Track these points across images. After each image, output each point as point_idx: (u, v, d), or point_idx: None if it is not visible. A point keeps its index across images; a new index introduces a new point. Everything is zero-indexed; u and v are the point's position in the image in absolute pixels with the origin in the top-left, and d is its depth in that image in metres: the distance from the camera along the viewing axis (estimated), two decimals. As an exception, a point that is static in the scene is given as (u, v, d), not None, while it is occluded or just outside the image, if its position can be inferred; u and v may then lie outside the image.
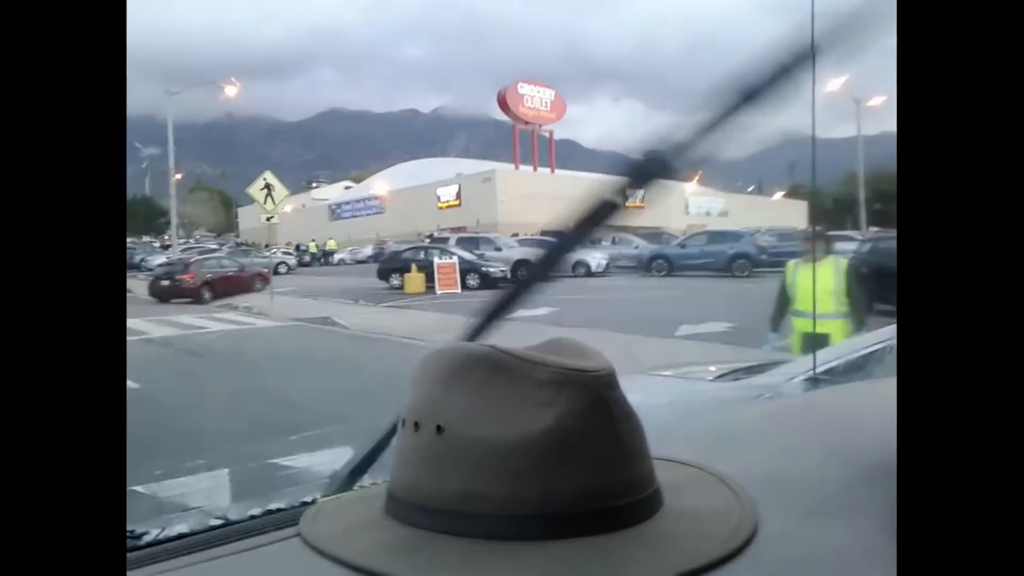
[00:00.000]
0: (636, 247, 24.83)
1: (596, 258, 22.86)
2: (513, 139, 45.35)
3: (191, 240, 55.26)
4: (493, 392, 0.57)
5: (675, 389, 3.13)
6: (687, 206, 53.30)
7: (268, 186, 17.75)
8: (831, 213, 43.48)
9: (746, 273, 19.91)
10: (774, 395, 1.98)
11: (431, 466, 0.57)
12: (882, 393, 1.08)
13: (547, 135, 46.47)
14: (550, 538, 0.54)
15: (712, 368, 3.58)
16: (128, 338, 10.68)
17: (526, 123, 44.62)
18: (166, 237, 60.26)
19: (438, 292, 18.06)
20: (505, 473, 0.55)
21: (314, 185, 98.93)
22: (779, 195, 66.53)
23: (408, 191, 50.17)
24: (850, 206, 39.94)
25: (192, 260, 21.71)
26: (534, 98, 45.13)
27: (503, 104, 43.89)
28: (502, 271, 19.69)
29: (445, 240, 23.60)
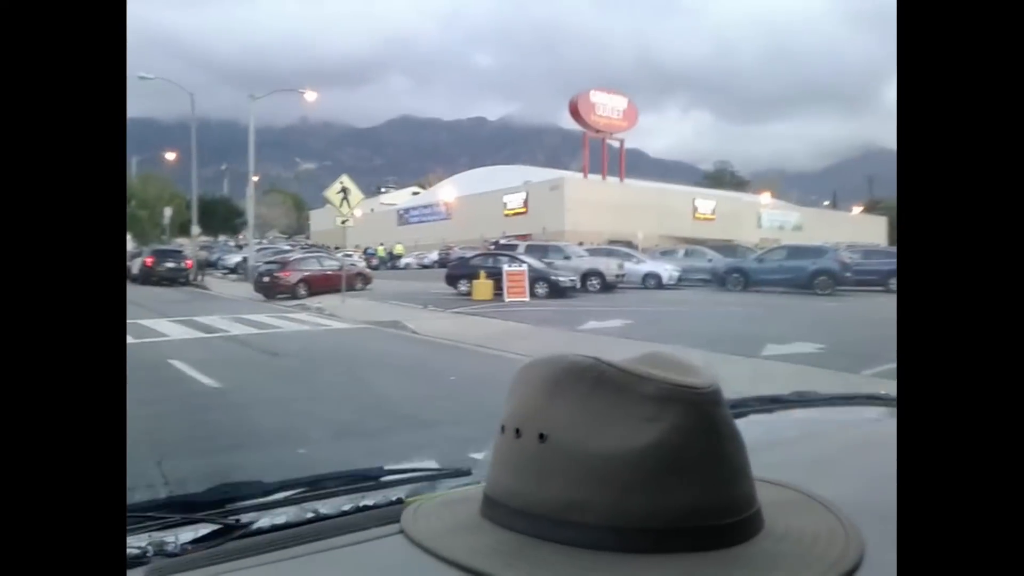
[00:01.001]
0: (709, 260, 24.11)
1: (667, 270, 22.31)
2: (583, 147, 45.02)
3: (263, 241, 56.96)
4: (597, 404, 0.57)
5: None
6: (760, 219, 51.91)
7: (344, 190, 18.01)
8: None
9: (828, 291, 19.03)
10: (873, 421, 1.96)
11: (533, 473, 0.58)
12: None
13: (617, 144, 45.93)
14: (654, 552, 0.54)
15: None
16: (209, 335, 11.01)
17: (597, 131, 44.23)
18: (240, 237, 62.50)
19: (506, 299, 17.89)
20: (609, 484, 0.55)
21: (382, 190, 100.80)
22: (857, 210, 63.84)
23: (475, 198, 50.47)
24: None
25: (291, 259, 22.98)
26: (606, 106, 44.68)
27: (575, 112, 43.60)
28: (571, 280, 19.40)
29: (514, 247, 23.45)
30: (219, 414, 5.96)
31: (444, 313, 15.20)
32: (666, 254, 25.52)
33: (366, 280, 23.20)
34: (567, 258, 21.41)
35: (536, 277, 18.78)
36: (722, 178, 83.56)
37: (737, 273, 20.89)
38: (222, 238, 60.99)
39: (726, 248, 27.12)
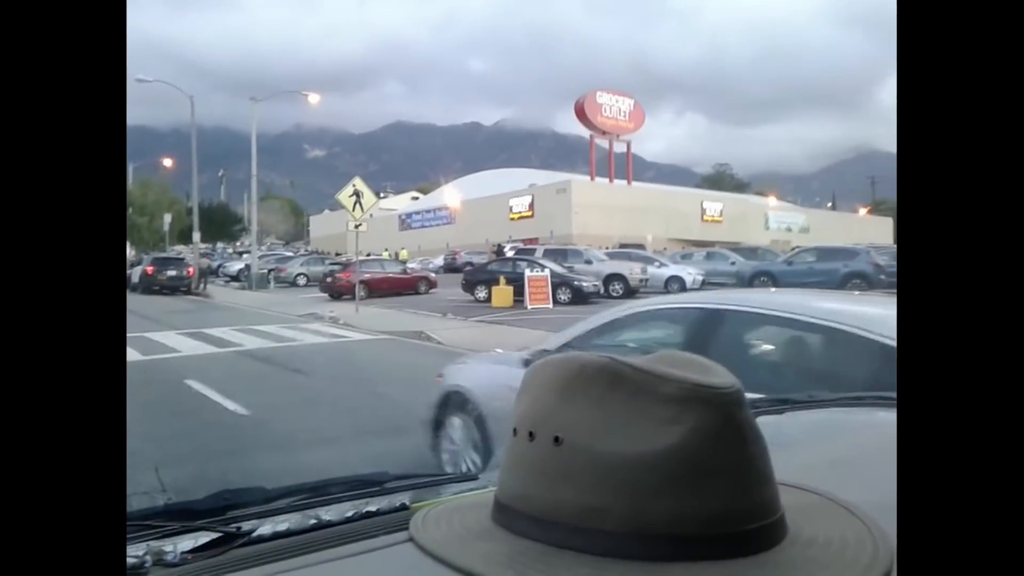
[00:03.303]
0: (732, 263, 23.27)
1: (690, 274, 21.46)
2: (590, 149, 44.22)
3: (262, 248, 56.04)
4: (615, 405, 0.55)
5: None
6: (767, 220, 51.22)
7: (357, 193, 17.10)
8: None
9: (862, 294, 18.20)
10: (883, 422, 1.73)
11: (548, 477, 0.55)
12: None
13: (624, 145, 45.16)
14: (679, 560, 0.52)
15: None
16: (222, 350, 10.10)
17: (604, 133, 43.45)
18: (238, 244, 61.48)
19: (529, 307, 17.03)
20: (628, 489, 0.53)
21: (382, 195, 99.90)
22: (863, 211, 63.27)
23: (479, 201, 49.59)
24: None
25: (352, 262, 24.61)
26: (612, 107, 43.95)
27: (580, 113, 42.82)
28: (595, 285, 18.54)
29: (531, 251, 22.58)
30: (253, 449, 5.08)
31: (467, 322, 14.34)
32: (685, 257, 24.67)
33: (431, 284, 23.17)
34: (588, 262, 20.56)
35: (558, 282, 17.93)
36: (722, 181, 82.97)
37: (765, 276, 20.02)
38: (220, 245, 59.99)
39: (746, 251, 26.27)
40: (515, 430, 0.59)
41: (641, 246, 31.53)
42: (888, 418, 1.20)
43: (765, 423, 1.12)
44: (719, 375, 0.57)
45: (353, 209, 17.13)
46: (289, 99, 31.33)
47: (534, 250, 22.81)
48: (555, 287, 17.73)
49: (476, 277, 20.03)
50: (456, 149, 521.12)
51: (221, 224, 60.84)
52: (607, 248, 27.33)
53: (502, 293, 17.82)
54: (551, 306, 17.41)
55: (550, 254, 20.99)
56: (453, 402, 3.71)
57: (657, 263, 21.96)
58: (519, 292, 17.41)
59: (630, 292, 19.61)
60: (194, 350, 10.34)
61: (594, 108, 42.99)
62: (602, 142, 44.16)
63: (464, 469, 3.41)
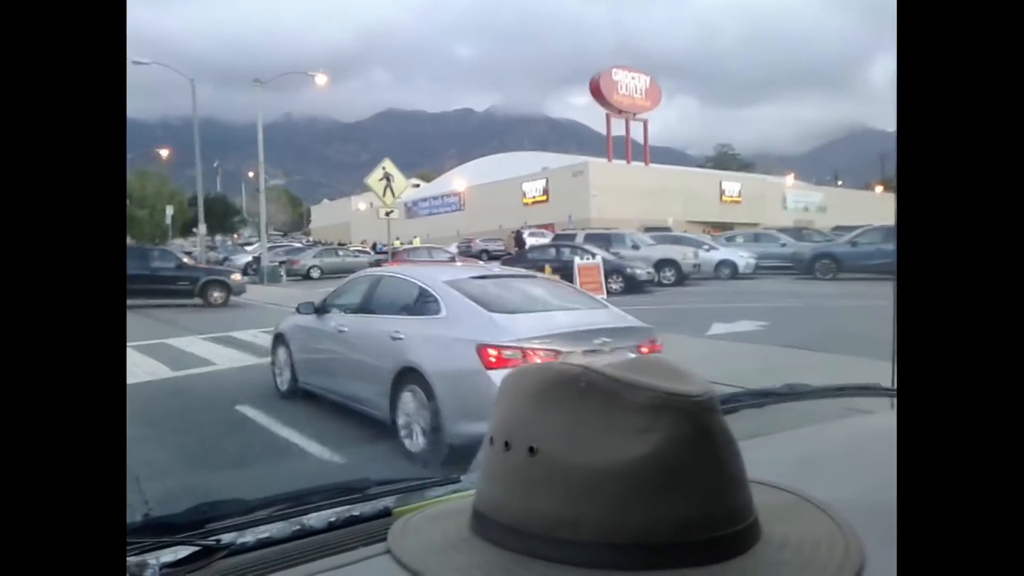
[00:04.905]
0: (783, 244, 21.69)
1: (743, 257, 19.90)
2: (606, 129, 42.38)
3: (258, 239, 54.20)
4: (588, 415, 0.55)
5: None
6: (784, 200, 49.69)
7: (387, 176, 15.49)
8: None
9: (941, 276, 16.68)
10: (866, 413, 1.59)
11: (522, 487, 0.56)
12: None
13: (641, 124, 43.37)
14: (651, 568, 0.52)
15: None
16: (263, 359, 8.05)
17: (620, 112, 41.62)
18: (236, 236, 59.59)
19: (581, 298, 15.48)
20: (602, 499, 0.53)
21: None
22: (879, 188, 61.88)
23: (489, 186, 47.66)
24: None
25: (400, 250, 24.33)
26: (628, 85, 42.00)
27: (595, 91, 40.91)
28: (648, 272, 16.96)
29: (572, 236, 20.94)
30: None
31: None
32: (730, 240, 23.08)
33: None
34: (635, 247, 18.97)
35: (609, 270, 16.32)
36: (727, 162, 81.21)
37: (828, 259, 18.45)
38: (218, 237, 58.08)
39: (794, 231, 24.68)
40: (491, 439, 0.58)
41: (668, 229, 29.96)
42: (866, 407, 1.27)
43: (746, 416, 1.10)
44: (692, 382, 0.56)
45: (384, 194, 15.50)
46: (278, 88, 29.71)
47: (575, 235, 21.13)
48: (606, 275, 16.15)
49: (517, 266, 18.42)
50: (449, 136, 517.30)
51: (221, 216, 59.01)
52: (631, 232, 25.75)
53: (549, 283, 16.27)
54: (605, 296, 15.85)
55: (592, 239, 19.34)
56: (279, 339, 6.74)
57: (706, 246, 20.37)
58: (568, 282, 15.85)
59: (681, 279, 18.07)
60: (231, 361, 8.69)
61: (610, 86, 41.09)
62: (628, 121, 42.37)
63: (280, 380, 6.63)
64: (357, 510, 0.77)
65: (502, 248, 33.40)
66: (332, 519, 0.75)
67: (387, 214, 15.65)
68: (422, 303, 5.10)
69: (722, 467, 0.55)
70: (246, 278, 19.54)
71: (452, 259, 23.55)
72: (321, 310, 6.14)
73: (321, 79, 28.52)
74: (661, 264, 17.99)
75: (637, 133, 44.06)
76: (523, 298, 5.21)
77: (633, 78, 42.38)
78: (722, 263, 19.68)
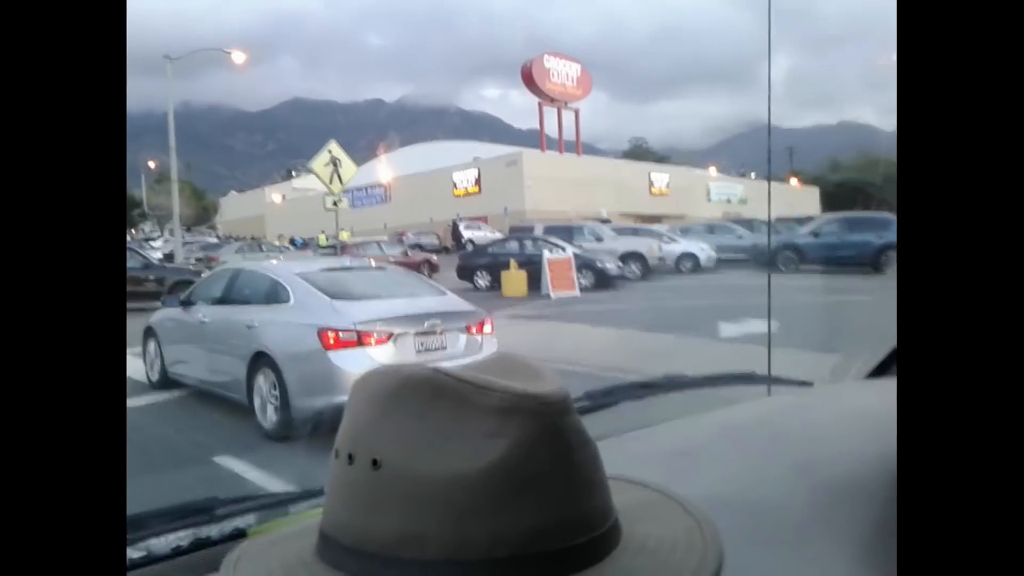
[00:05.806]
0: (739, 236, 21.23)
1: (704, 250, 19.23)
2: (539, 117, 41.29)
3: (164, 233, 50.04)
4: (435, 421, 0.51)
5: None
6: (708, 192, 50.31)
7: (335, 161, 13.72)
8: (839, 199, 41.73)
9: (902, 269, 16.49)
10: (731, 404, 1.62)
11: (365, 503, 0.51)
12: (846, 399, 1.05)
13: (573, 113, 42.58)
14: None
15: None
16: None
17: (552, 100, 40.64)
18: (134, 232, 54.85)
19: (552, 295, 14.24)
20: (447, 513, 0.49)
21: (293, 174, 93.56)
22: (794, 181, 63.96)
23: (417, 177, 45.69)
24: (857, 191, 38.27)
25: (348, 244, 22.35)
26: (560, 72, 41.10)
27: (527, 79, 39.78)
28: (618, 266, 15.95)
29: (529, 229, 19.66)
30: None
31: (499, 319, 11.40)
32: (684, 232, 22.45)
33: (433, 268, 19.78)
34: (599, 240, 17.95)
35: (578, 265, 15.20)
36: (642, 155, 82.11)
37: (790, 250, 18.03)
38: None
39: (745, 223, 24.37)
40: (336, 452, 0.53)
41: (605, 219, 29.24)
42: (745, 396, 1.25)
43: (629, 408, 1.07)
44: (546, 382, 0.53)
45: (331, 181, 13.73)
46: (176, 75, 26.91)
47: (532, 227, 19.88)
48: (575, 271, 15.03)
49: (474, 261, 17.05)
50: (359, 127, 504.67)
51: (117, 209, 53.96)
52: (567, 223, 24.81)
53: (514, 279, 14.93)
54: (577, 293, 14.68)
55: (553, 232, 18.16)
56: (148, 332, 7.09)
57: (666, 238, 19.59)
58: (535, 278, 14.60)
59: (647, 272, 17.18)
60: (163, 393, 6.92)
61: (542, 73, 40.07)
62: (560, 109, 41.38)
63: (151, 372, 7.01)
64: (206, 532, 0.70)
65: (436, 242, 31.84)
66: (182, 543, 0.68)
67: (335, 204, 13.88)
68: (274, 293, 5.67)
69: (575, 470, 0.51)
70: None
71: (404, 253, 21.72)
72: (186, 303, 6.56)
73: (239, 57, 26.07)
74: (626, 257, 17.04)
75: (567, 123, 43.31)
76: (367, 286, 5.86)
77: (564, 65, 41.53)
78: (684, 256, 18.96)
